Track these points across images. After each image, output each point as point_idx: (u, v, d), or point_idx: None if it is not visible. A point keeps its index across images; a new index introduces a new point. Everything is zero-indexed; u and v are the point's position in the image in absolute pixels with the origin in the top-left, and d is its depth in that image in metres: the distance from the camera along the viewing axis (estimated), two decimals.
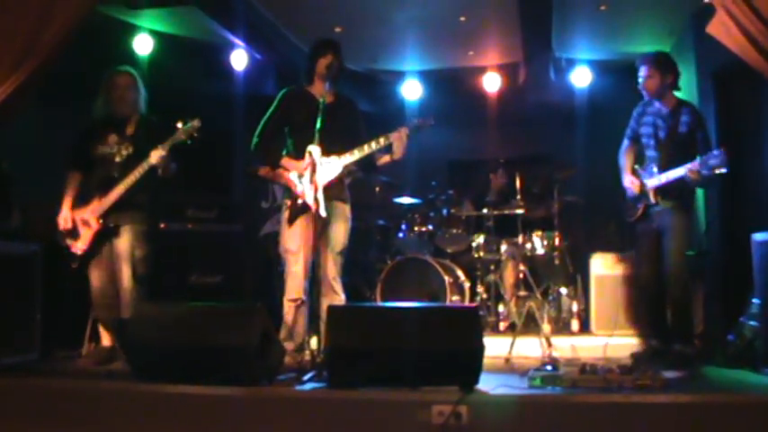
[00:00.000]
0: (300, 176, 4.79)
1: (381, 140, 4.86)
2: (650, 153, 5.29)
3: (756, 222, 5.39)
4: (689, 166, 4.85)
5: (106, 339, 5.09)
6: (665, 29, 7.47)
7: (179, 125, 4.90)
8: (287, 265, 4.92)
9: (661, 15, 7.17)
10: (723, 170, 4.74)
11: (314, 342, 4.75)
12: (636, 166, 5.37)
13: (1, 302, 4.84)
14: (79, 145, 5.17)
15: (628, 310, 6.21)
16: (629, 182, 5.34)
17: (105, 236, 4.98)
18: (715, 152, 4.76)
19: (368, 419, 3.53)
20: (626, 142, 5.53)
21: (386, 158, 5.01)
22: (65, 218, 5.04)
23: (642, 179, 5.24)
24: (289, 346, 4.72)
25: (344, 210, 5.03)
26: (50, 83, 4.85)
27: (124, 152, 5.02)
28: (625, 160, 5.48)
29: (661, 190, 5.11)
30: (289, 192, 4.96)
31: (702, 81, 6.86)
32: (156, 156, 4.85)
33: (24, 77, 4.48)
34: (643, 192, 5.21)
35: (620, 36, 7.73)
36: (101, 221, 4.95)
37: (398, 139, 4.85)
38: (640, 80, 5.26)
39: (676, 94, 5.26)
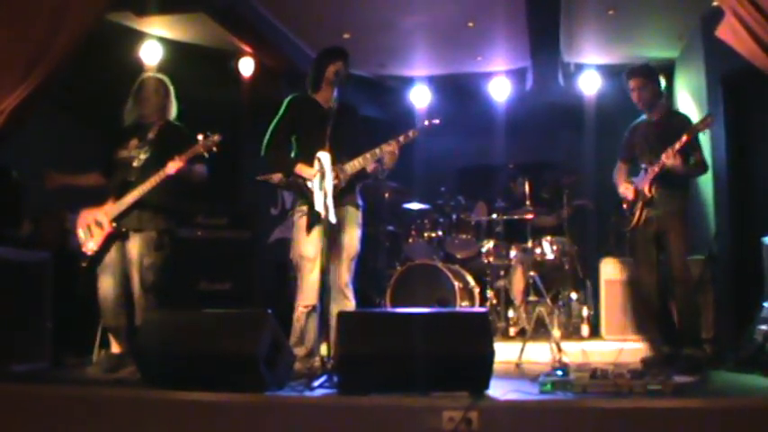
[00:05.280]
0: (311, 183, 4.78)
1: (377, 151, 4.86)
2: (643, 160, 5.32)
3: (767, 226, 5.39)
4: (665, 153, 4.98)
5: (116, 346, 5.07)
6: (673, 32, 7.46)
7: (199, 137, 4.91)
8: (302, 272, 4.88)
9: (670, 19, 7.15)
10: (709, 121, 4.95)
11: (324, 348, 4.75)
12: (631, 179, 5.43)
13: (12, 310, 4.85)
14: (106, 148, 5.20)
15: (637, 315, 6.20)
16: (624, 188, 5.40)
17: (117, 240, 4.99)
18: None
19: (378, 425, 3.52)
20: (619, 163, 5.58)
21: (376, 166, 4.98)
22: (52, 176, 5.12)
23: (636, 184, 5.30)
24: (299, 351, 4.72)
25: (356, 216, 5.02)
26: (60, 91, 4.86)
27: (142, 156, 5.02)
28: (618, 176, 5.57)
29: (655, 185, 5.14)
30: (304, 198, 4.90)
31: (712, 85, 6.84)
32: (173, 167, 4.85)
33: (35, 85, 4.49)
34: (638, 194, 5.23)
35: (628, 40, 7.71)
36: (113, 224, 4.95)
37: (391, 153, 4.84)
38: (634, 93, 5.30)
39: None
